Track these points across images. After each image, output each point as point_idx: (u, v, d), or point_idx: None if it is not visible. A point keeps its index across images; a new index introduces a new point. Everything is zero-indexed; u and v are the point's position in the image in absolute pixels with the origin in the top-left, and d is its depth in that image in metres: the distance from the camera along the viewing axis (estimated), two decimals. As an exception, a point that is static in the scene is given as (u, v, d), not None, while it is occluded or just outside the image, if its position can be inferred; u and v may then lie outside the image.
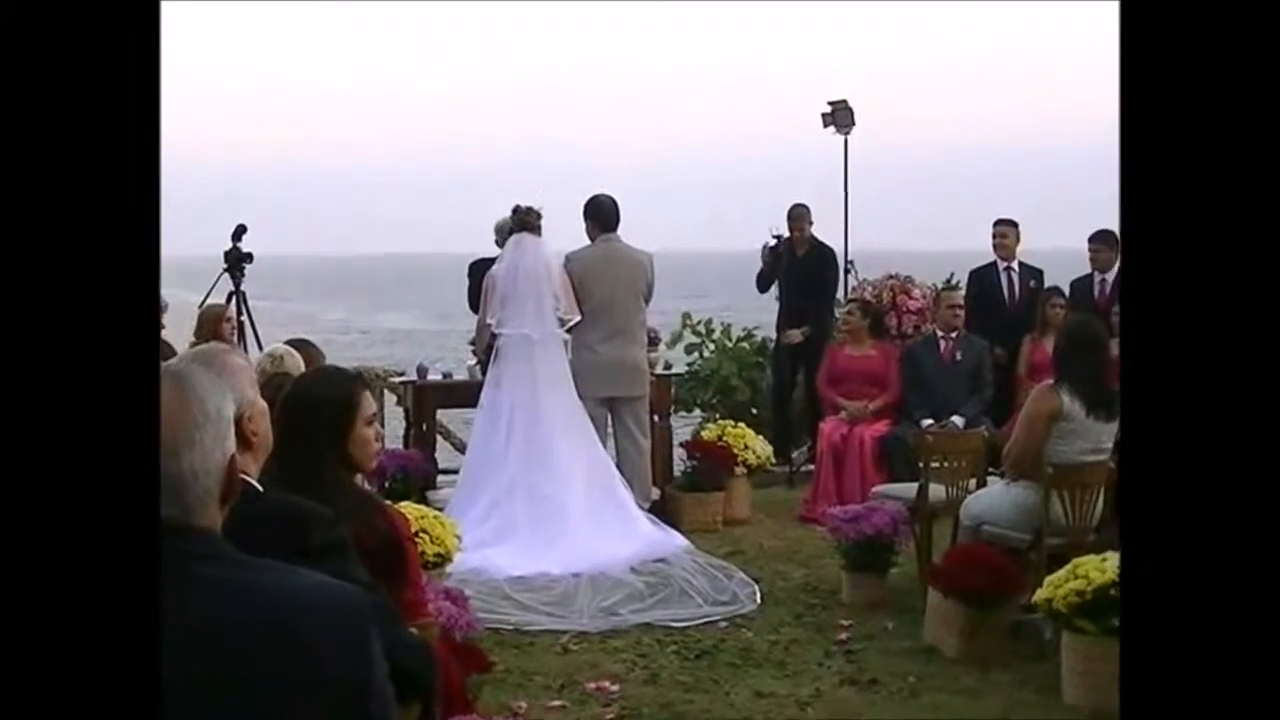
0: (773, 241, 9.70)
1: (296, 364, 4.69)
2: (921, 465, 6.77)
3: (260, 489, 2.89)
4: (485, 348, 7.80)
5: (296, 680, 1.51)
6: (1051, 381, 5.89)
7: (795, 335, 9.58)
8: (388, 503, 4.10)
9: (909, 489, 6.81)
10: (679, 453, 8.85)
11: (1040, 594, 5.01)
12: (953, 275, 9.91)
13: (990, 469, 6.83)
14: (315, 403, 3.34)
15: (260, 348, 7.43)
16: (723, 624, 6.16)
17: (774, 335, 10.15)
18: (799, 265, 9.68)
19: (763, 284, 9.91)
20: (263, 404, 2.95)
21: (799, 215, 9.76)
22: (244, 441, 2.87)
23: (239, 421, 2.82)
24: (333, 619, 1.55)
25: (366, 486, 4.14)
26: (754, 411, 10.27)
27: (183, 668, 1.44)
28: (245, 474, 2.44)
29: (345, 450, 3.33)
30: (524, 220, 7.66)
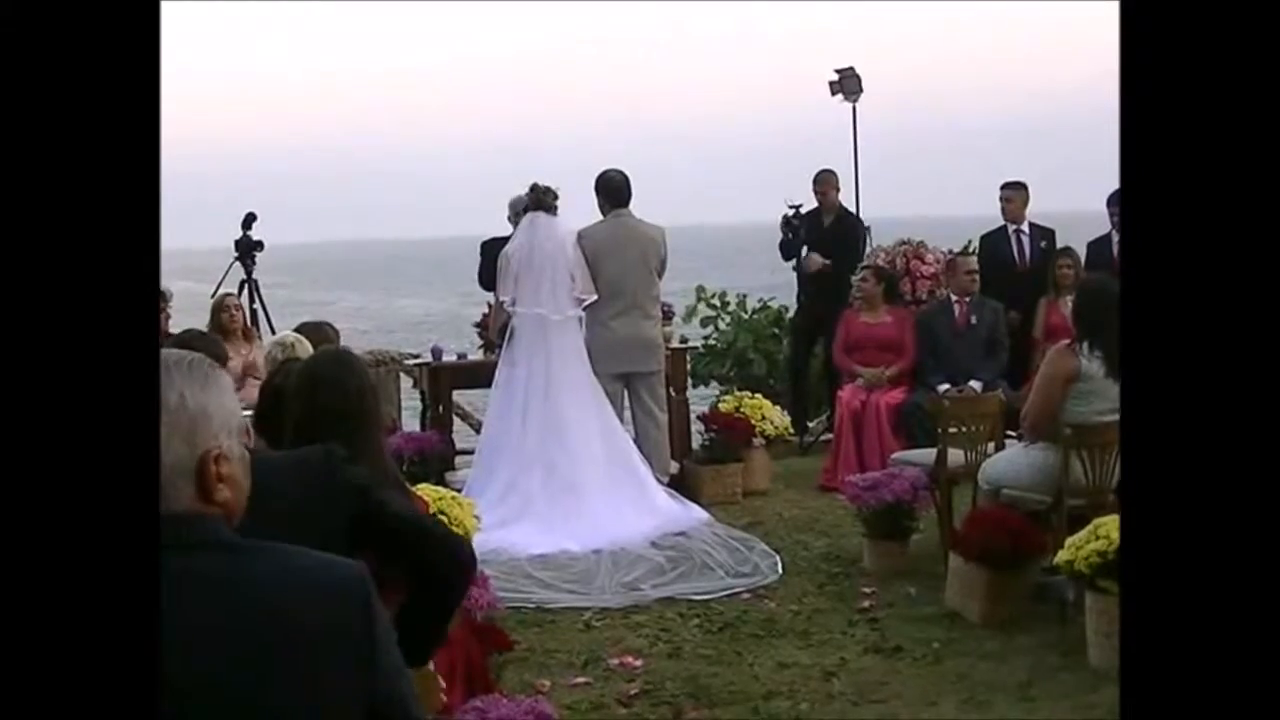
0: (789, 211, 9.61)
1: (307, 351, 4.69)
2: (939, 430, 6.74)
3: None
4: (501, 328, 7.78)
5: (290, 664, 1.50)
6: (1068, 342, 5.85)
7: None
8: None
9: (928, 455, 6.79)
10: (697, 426, 8.83)
11: (1062, 555, 4.98)
12: (970, 243, 9.84)
13: (1008, 432, 6.79)
14: (338, 385, 3.32)
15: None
16: (745, 596, 6.16)
17: (789, 305, 10.03)
18: (826, 234, 9.53)
19: (786, 253, 9.69)
20: None
21: (825, 181, 9.56)
22: None
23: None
24: (322, 602, 1.53)
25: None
26: (771, 383, 10.24)
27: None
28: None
29: (368, 432, 3.32)
30: (540, 199, 7.62)
